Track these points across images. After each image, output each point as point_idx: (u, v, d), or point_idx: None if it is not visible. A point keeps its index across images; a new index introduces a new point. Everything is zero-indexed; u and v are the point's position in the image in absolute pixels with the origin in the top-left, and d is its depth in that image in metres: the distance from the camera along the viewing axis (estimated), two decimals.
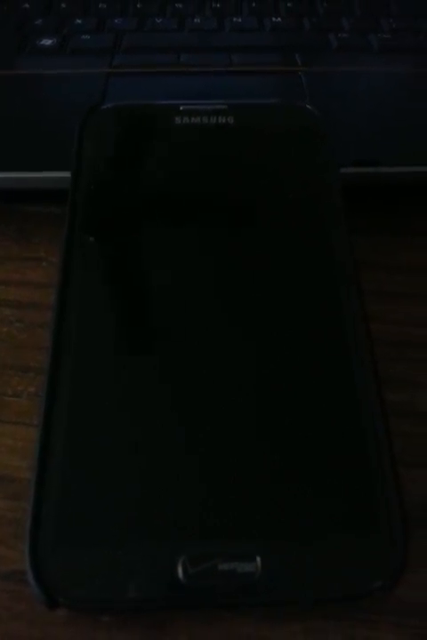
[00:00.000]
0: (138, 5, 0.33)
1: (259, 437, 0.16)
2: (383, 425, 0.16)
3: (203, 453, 0.16)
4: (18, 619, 0.16)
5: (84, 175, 0.21)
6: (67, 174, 0.21)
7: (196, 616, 0.16)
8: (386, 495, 0.15)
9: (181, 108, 0.23)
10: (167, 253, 0.20)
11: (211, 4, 0.33)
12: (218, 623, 0.16)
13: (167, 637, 0.15)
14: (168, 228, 0.20)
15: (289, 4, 0.33)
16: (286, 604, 0.15)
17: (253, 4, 0.33)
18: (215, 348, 0.18)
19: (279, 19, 0.32)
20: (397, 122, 0.26)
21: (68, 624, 0.16)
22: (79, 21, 0.31)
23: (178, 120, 0.22)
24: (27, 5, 0.32)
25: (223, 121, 0.22)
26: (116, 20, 0.31)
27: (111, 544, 0.14)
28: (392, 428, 0.16)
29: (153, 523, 0.15)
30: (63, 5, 0.32)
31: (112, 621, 0.16)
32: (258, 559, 0.14)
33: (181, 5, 0.33)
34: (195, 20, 0.32)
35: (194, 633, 0.15)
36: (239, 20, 0.32)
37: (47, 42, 0.30)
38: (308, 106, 0.23)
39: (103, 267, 0.19)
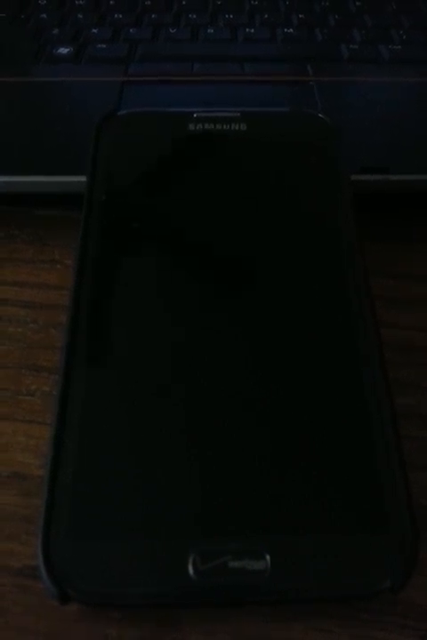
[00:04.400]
0: (152, 16, 0.33)
1: (271, 438, 0.16)
2: (393, 426, 0.16)
3: (216, 452, 0.16)
4: (29, 614, 0.16)
5: (99, 180, 0.21)
6: (82, 179, 0.22)
7: (205, 613, 0.16)
8: (395, 497, 0.15)
9: (195, 116, 0.23)
10: (180, 257, 0.20)
11: (224, 15, 0.33)
12: (226, 620, 0.16)
13: (177, 634, 0.16)
14: (181, 233, 0.21)
15: (301, 16, 0.33)
16: (294, 602, 0.16)
17: (266, 16, 0.33)
18: (225, 350, 0.18)
19: (291, 30, 0.32)
20: (407, 130, 0.26)
21: (79, 619, 0.16)
22: (95, 31, 0.32)
23: (192, 127, 0.23)
24: (44, 15, 0.33)
25: (236, 128, 0.23)
26: (131, 30, 0.32)
27: (123, 540, 0.15)
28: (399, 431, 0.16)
29: (164, 520, 0.15)
30: (79, 16, 0.33)
31: (122, 617, 0.16)
32: (268, 557, 0.14)
33: (194, 16, 0.33)
34: (208, 31, 0.32)
35: (203, 630, 0.16)
36: (252, 30, 0.32)
37: (63, 50, 0.30)
38: (320, 114, 0.23)
39: (117, 270, 0.20)
